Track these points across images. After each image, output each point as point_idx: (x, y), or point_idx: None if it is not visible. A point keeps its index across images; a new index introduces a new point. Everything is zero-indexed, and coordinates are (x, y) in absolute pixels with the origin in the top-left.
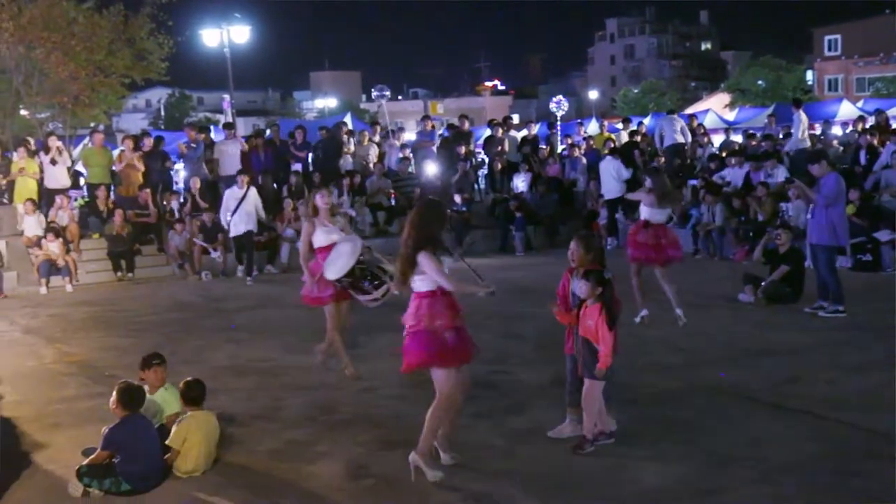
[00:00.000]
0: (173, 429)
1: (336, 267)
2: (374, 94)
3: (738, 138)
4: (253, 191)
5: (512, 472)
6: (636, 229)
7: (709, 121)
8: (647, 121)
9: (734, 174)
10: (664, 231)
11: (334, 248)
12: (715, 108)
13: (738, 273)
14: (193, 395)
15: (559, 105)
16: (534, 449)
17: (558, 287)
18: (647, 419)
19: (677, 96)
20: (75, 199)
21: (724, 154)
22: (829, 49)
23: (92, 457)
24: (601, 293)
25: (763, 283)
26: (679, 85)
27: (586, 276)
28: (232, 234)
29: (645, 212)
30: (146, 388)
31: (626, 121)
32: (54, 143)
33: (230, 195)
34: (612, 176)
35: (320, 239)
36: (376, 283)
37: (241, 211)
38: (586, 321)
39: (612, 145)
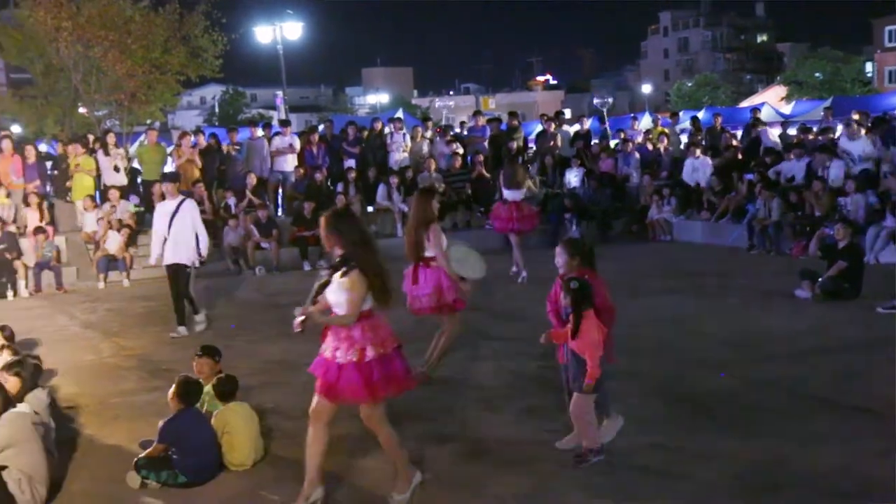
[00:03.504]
0: (212, 422)
1: (478, 267)
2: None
3: (794, 132)
4: (188, 205)
5: (563, 469)
6: (497, 207)
7: (764, 114)
8: (700, 114)
9: (792, 168)
10: (518, 206)
11: (454, 252)
12: (770, 102)
13: (795, 268)
14: (226, 391)
15: (604, 100)
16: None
17: (550, 293)
18: (701, 415)
19: (732, 89)
20: (132, 205)
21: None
22: (890, 40)
23: (149, 450)
24: (577, 302)
25: (820, 279)
26: (734, 78)
27: (564, 286)
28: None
29: (504, 193)
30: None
31: (674, 115)
32: (112, 139)
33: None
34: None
35: (444, 242)
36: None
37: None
38: (571, 331)
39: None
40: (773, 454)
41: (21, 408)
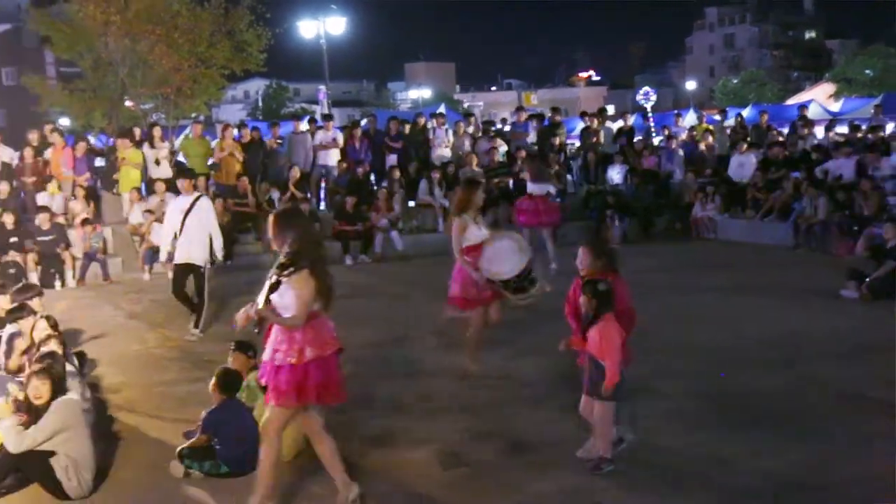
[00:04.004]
0: (255, 413)
1: (510, 264)
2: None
3: (843, 129)
4: (203, 203)
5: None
6: (522, 201)
7: (812, 112)
8: (745, 112)
9: (840, 166)
10: (543, 200)
11: (491, 246)
12: (818, 99)
13: (842, 268)
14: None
15: (647, 97)
16: (628, 444)
17: (569, 293)
18: (744, 415)
19: (778, 87)
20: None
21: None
22: None
23: (192, 440)
24: (598, 304)
25: (868, 279)
26: (780, 75)
27: (583, 289)
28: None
29: (529, 186)
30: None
31: (722, 112)
32: (158, 132)
33: (171, 205)
34: None
35: (473, 235)
36: (525, 283)
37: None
38: (592, 336)
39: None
40: (817, 456)
41: (71, 394)
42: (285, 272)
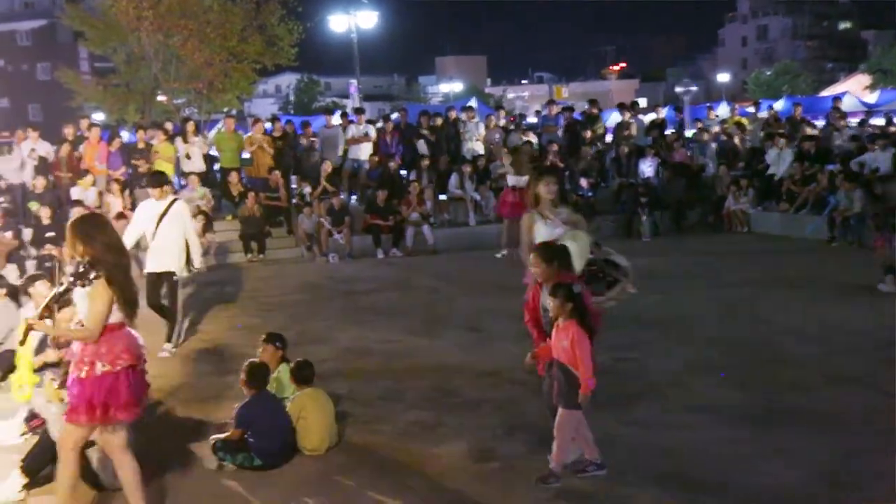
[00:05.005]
0: (287, 406)
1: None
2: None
3: (879, 121)
4: (179, 207)
5: (637, 461)
6: (506, 193)
7: (846, 104)
8: (778, 104)
9: (876, 159)
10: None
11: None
12: (853, 91)
13: (878, 262)
14: (305, 375)
15: (687, 88)
16: (659, 438)
17: (527, 298)
18: (779, 411)
19: (812, 78)
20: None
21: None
22: None
23: (226, 434)
24: (572, 309)
25: None
26: (814, 66)
27: (554, 292)
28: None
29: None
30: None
31: (756, 104)
32: (191, 127)
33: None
34: None
35: (542, 234)
36: (609, 280)
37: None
38: (560, 342)
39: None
40: (853, 452)
41: None
42: (78, 281)
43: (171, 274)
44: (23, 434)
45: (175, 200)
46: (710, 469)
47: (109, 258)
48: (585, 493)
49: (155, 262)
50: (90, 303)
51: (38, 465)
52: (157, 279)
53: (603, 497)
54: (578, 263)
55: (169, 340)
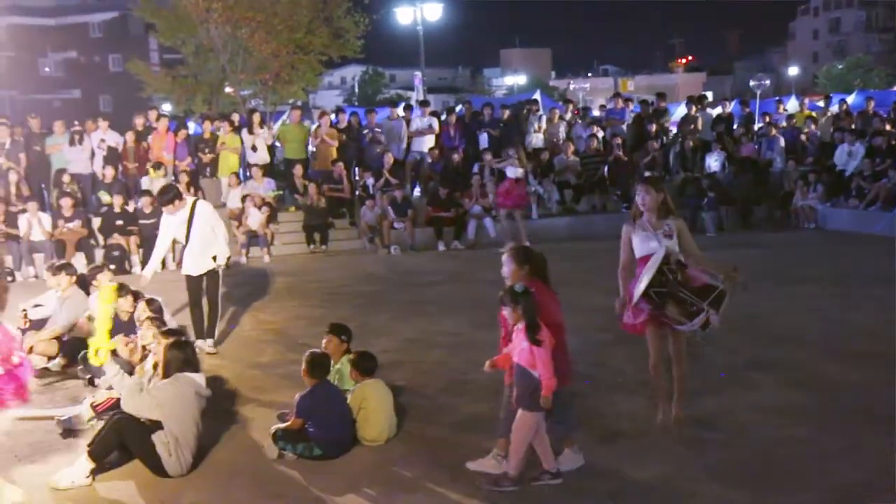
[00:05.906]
0: (348, 397)
1: (640, 286)
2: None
3: None
4: (202, 207)
5: (698, 456)
6: (502, 184)
7: None
8: (850, 98)
9: None
10: (516, 184)
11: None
12: None
13: None
14: (367, 366)
15: (760, 82)
16: (724, 435)
17: (501, 313)
18: (847, 409)
19: (886, 72)
20: (270, 190)
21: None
22: None
23: (287, 423)
24: (522, 310)
25: None
26: (888, 60)
27: (501, 300)
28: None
29: (510, 171)
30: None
31: (826, 98)
32: (257, 118)
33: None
34: None
35: (638, 247)
36: (693, 308)
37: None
38: (519, 343)
39: None
40: None
41: (195, 376)
42: None
43: (213, 272)
44: (89, 420)
45: (196, 201)
46: (780, 466)
47: None
48: (648, 487)
49: (193, 265)
50: None
51: (105, 451)
52: (198, 280)
53: (667, 492)
54: (644, 280)
55: (211, 336)
